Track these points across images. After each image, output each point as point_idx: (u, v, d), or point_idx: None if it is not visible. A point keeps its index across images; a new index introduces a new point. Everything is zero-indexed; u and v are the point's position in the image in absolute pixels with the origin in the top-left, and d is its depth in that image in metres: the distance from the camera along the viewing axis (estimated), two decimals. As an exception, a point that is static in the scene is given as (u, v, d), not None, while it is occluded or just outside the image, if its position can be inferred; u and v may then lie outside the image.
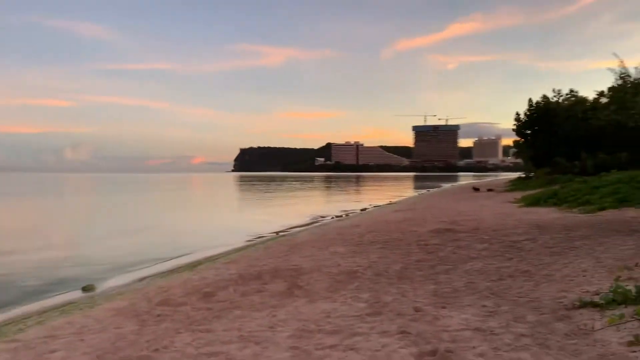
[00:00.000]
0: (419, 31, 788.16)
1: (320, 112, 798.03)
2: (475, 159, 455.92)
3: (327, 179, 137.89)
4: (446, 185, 73.56)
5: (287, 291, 7.11)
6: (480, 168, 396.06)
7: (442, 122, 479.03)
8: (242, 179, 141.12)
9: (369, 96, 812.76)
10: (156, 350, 4.81)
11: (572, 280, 6.53)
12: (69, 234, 20.95)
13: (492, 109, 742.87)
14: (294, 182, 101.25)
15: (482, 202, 24.66)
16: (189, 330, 5.47)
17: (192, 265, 11.29)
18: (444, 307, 5.67)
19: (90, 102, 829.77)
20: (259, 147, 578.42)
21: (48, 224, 25.16)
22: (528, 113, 41.57)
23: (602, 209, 14.31)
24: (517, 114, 43.56)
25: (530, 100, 42.45)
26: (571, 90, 41.63)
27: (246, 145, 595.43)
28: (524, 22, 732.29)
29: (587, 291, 5.81)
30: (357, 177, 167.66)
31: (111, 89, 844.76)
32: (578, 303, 5.31)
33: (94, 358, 4.73)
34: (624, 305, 5.06)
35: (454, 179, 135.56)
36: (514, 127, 43.72)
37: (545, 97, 41.67)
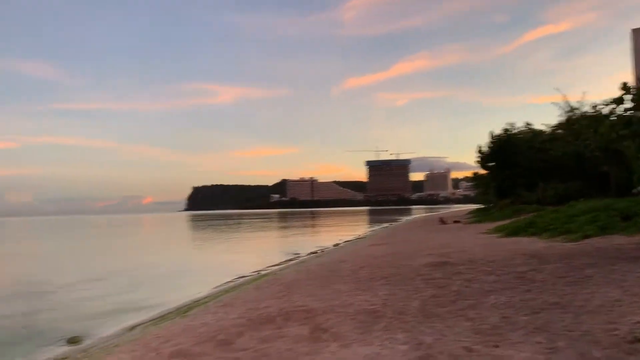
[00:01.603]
0: (368, 69, 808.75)
1: (273, 149, 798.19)
2: (427, 192, 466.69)
3: (285, 215, 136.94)
4: (409, 218, 74.32)
5: (312, 335, 6.57)
6: (432, 201, 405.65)
7: (394, 157, 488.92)
8: (196, 218, 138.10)
9: (321, 133, 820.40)
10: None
11: (610, 310, 6.32)
12: (31, 283, 19.03)
13: (440, 143, 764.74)
14: (252, 220, 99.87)
15: (456, 233, 24.75)
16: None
17: (183, 311, 10.52)
18: (496, 346, 5.30)
19: (33, 143, 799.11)
20: (212, 185, 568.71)
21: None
22: (491, 146, 42.71)
23: (586, 236, 14.48)
24: (480, 146, 44.81)
25: (491, 133, 43.77)
26: (527, 124, 43.27)
27: (199, 184, 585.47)
28: (468, 60, 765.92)
29: (638, 322, 5.62)
30: (315, 213, 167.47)
31: (55, 129, 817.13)
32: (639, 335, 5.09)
33: None
34: (687, 336, 4.89)
35: (408, 212, 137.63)
36: (478, 159, 44.74)
37: (506, 130, 43.01)
